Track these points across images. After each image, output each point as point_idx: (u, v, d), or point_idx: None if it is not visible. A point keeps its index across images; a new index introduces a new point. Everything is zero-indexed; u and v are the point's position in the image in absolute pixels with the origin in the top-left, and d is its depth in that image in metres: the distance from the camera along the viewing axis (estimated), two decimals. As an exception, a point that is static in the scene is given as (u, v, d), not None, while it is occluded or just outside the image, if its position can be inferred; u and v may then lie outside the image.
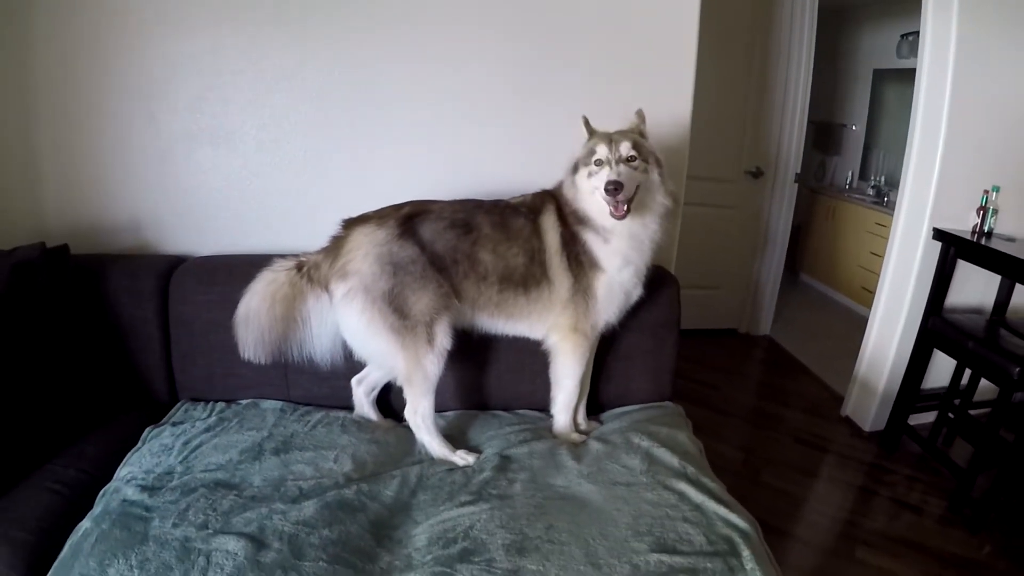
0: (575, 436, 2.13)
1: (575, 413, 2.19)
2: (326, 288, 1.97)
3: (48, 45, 2.25)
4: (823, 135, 6.81)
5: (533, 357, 2.18)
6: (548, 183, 2.11)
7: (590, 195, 1.96)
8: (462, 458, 1.99)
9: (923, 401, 3.44)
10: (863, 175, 6.44)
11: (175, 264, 2.30)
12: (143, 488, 1.74)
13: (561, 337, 2.07)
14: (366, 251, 1.92)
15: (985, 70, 3.06)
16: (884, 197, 5.72)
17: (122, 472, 1.84)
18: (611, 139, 1.95)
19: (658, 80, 2.49)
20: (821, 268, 6.37)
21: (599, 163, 1.93)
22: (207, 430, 2.04)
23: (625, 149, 1.92)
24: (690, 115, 2.55)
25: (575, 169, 2.00)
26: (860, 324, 3.81)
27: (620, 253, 2.00)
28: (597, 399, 2.34)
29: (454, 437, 2.10)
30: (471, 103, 2.47)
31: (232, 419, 2.11)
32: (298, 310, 1.97)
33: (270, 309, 1.94)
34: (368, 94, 2.42)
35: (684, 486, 1.82)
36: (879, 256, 3.69)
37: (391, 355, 1.96)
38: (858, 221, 5.74)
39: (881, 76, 6.21)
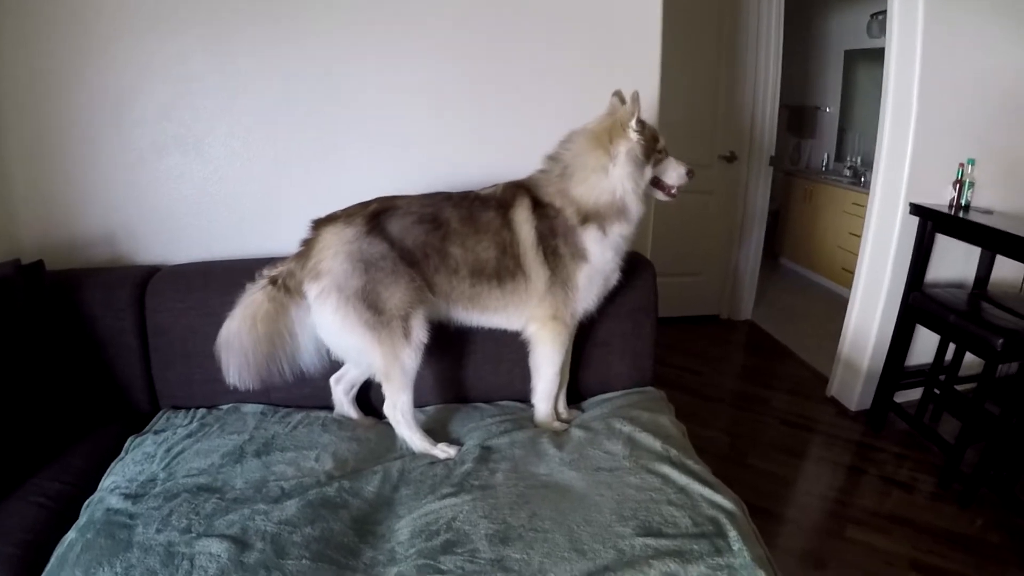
0: (556, 425, 2.14)
1: (556, 402, 2.18)
2: (303, 293, 1.97)
3: (14, 58, 2.23)
4: (797, 118, 6.83)
5: (511, 348, 2.18)
6: (518, 174, 2.10)
7: (644, 185, 2.02)
8: (443, 451, 1.99)
9: (908, 378, 3.46)
10: (839, 156, 6.45)
11: (150, 274, 2.29)
12: (126, 496, 1.74)
13: (540, 326, 2.07)
14: (336, 250, 1.91)
15: (954, 44, 3.07)
16: (861, 177, 5.73)
17: (106, 482, 1.84)
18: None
19: (623, 65, 2.51)
20: (800, 251, 6.38)
21: (660, 152, 2.04)
22: (189, 436, 2.04)
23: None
24: (658, 100, 2.57)
25: (641, 161, 1.99)
26: (842, 305, 3.82)
27: (614, 245, 2.04)
28: (577, 387, 2.34)
29: (435, 431, 2.10)
30: (439, 97, 2.49)
31: (213, 424, 2.11)
32: (283, 324, 1.96)
33: (251, 329, 1.92)
34: (336, 94, 2.43)
35: (668, 469, 1.82)
36: (858, 236, 3.70)
37: (368, 351, 1.95)
38: (835, 202, 5.76)
39: (852, 57, 6.23)
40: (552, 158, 2.06)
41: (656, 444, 1.93)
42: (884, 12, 3.28)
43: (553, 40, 2.48)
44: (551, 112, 2.37)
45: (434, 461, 1.96)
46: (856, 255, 3.64)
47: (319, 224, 2.00)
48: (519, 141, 2.32)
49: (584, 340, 2.29)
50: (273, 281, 1.98)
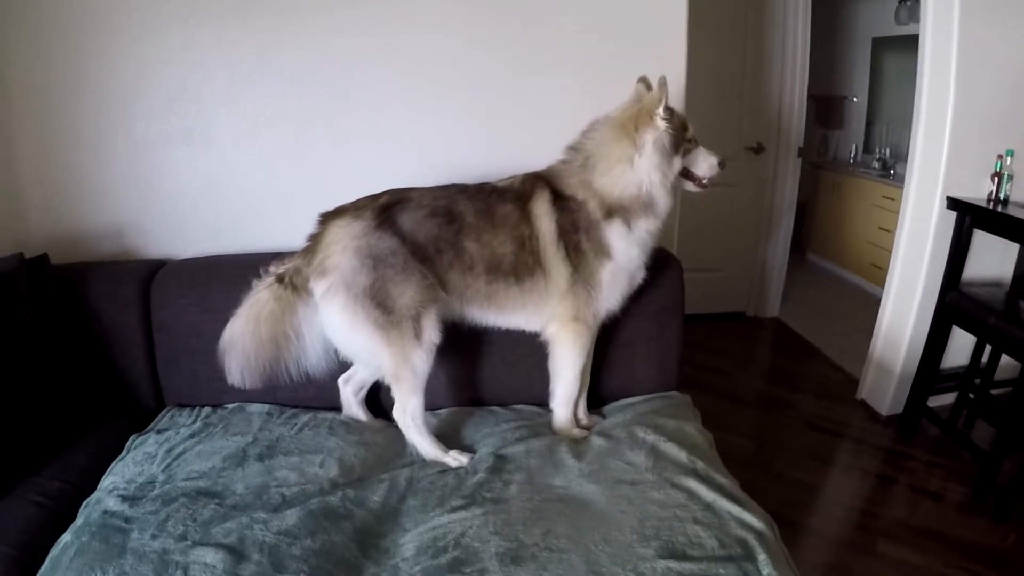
0: (576, 432, 2.05)
1: (576, 407, 2.11)
2: (310, 290, 1.91)
3: (20, 55, 2.24)
4: (824, 109, 6.69)
5: (530, 349, 2.10)
6: (536, 165, 2.02)
7: (673, 177, 1.93)
8: (455, 459, 1.91)
9: (942, 381, 3.32)
10: (867, 148, 6.32)
11: (156, 268, 2.28)
12: (124, 498, 1.70)
13: (560, 326, 1.99)
14: (343, 245, 1.85)
15: (992, 30, 2.93)
16: (890, 170, 5.59)
17: (105, 482, 1.81)
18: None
19: (647, 50, 2.43)
20: (829, 246, 6.27)
21: (690, 141, 1.95)
22: (191, 436, 2.00)
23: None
24: (684, 87, 2.49)
25: (669, 151, 1.89)
26: (872, 303, 3.73)
27: (640, 241, 1.96)
28: (598, 392, 2.27)
29: (447, 436, 2.03)
30: (454, 84, 2.43)
31: (217, 424, 2.07)
32: (288, 324, 1.91)
33: (254, 331, 1.88)
34: (346, 80, 2.38)
35: (693, 483, 1.73)
36: (888, 231, 3.59)
37: (377, 352, 1.89)
38: (865, 195, 5.64)
39: (880, 45, 6.08)
40: (574, 148, 1.98)
41: (681, 455, 1.84)
42: (913, -3, 3.15)
43: (574, 24, 2.41)
44: (571, 99, 2.31)
45: (445, 470, 1.88)
46: (887, 251, 3.54)
47: (326, 218, 1.94)
48: (538, 130, 2.28)
49: (606, 341, 2.21)
50: (279, 279, 1.93)
